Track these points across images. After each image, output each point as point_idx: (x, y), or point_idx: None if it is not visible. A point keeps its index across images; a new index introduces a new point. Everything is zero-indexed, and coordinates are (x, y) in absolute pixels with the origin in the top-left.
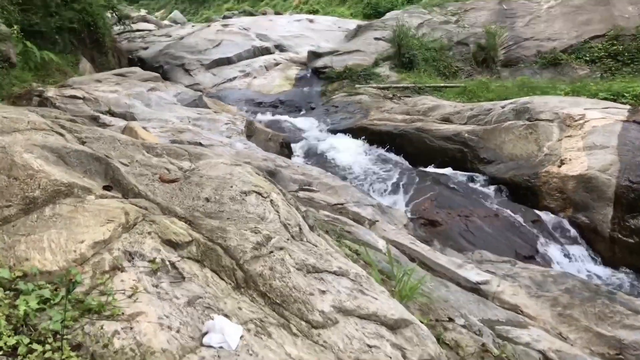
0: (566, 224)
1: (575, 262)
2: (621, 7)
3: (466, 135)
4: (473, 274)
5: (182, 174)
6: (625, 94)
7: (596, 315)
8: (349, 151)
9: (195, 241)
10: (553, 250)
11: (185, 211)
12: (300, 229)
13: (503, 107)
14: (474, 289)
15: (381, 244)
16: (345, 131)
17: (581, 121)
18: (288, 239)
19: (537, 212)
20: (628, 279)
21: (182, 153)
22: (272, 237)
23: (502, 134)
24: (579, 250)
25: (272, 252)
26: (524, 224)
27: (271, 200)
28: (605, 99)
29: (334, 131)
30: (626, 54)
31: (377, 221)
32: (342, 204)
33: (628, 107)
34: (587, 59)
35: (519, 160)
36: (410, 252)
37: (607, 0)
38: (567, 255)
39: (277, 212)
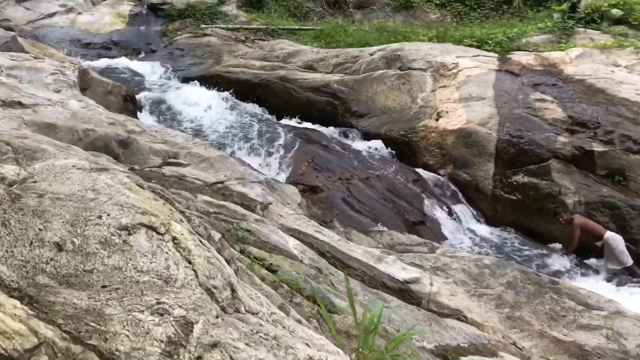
0: (447, 181)
1: (461, 223)
2: None
3: (335, 86)
4: (397, 269)
5: (5, 192)
6: (488, 40)
7: (548, 315)
8: (205, 104)
9: (47, 345)
10: (439, 213)
11: (19, 274)
12: (233, 290)
13: (372, 55)
14: (404, 289)
15: (292, 244)
16: (197, 79)
17: (455, 70)
18: (219, 318)
19: (417, 170)
20: (515, 241)
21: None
22: (194, 320)
23: (374, 84)
24: (462, 210)
25: (200, 357)
26: (406, 184)
27: (174, 240)
28: (471, 45)
29: (183, 79)
30: None
31: (270, 203)
32: (222, 182)
33: (496, 55)
34: (437, 2)
35: (392, 113)
36: (319, 245)
37: None
38: (452, 216)
39: (190, 262)
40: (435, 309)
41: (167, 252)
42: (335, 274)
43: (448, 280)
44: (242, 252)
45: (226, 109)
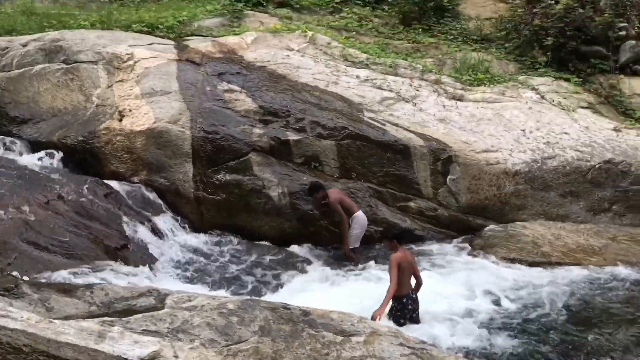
0: (144, 190)
1: (168, 237)
2: None
3: None
4: (129, 345)
5: None
6: (159, 25)
7: (312, 358)
8: None
9: None
10: (142, 230)
11: None
12: None
13: (25, 46)
14: None
15: None
16: None
17: (131, 62)
18: None
19: (106, 182)
20: (229, 245)
21: None
22: None
23: (35, 82)
24: (167, 221)
25: None
26: (97, 201)
27: None
28: (141, 32)
29: None
30: None
31: None
32: None
33: (172, 42)
34: None
35: (65, 116)
36: (11, 339)
37: None
38: (156, 231)
39: None
40: None
41: None
42: None
43: (194, 345)
44: None
45: None
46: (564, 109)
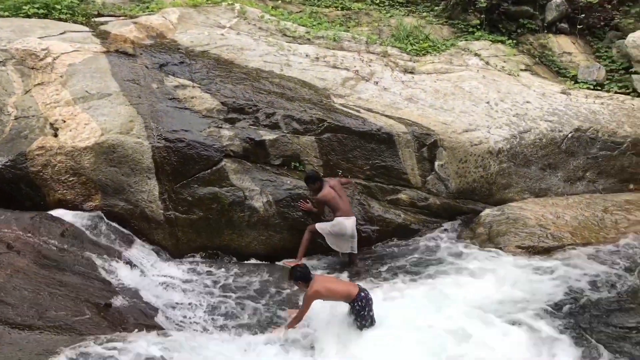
0: (105, 219)
1: (145, 272)
2: None
3: None
4: None
5: None
6: (55, 5)
7: None
8: None
9: None
10: (122, 271)
11: None
12: None
13: None
14: None
15: None
16: None
17: (49, 59)
18: None
19: (54, 214)
20: (221, 271)
21: None
22: None
23: None
24: (141, 252)
25: None
26: (54, 243)
27: None
28: (37, 15)
29: None
30: None
31: None
32: None
33: (88, 29)
34: None
35: None
36: None
37: None
38: (132, 265)
39: None
40: None
41: None
42: None
43: None
44: None
45: None
46: (510, 74)
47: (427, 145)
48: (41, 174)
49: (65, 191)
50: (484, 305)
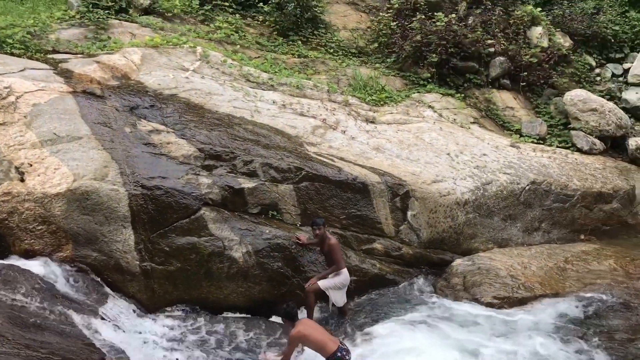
0: (70, 270)
1: (126, 328)
2: None
3: None
4: None
5: None
6: (6, 39)
7: None
8: None
9: None
10: (104, 330)
11: None
12: None
13: None
14: None
15: None
16: None
17: (12, 97)
18: None
19: (20, 265)
20: (202, 328)
21: None
22: None
23: None
24: (117, 306)
25: None
26: (27, 299)
27: None
28: None
29: None
30: None
31: None
32: None
33: (48, 67)
34: None
35: None
36: None
37: None
38: (111, 322)
39: None
40: None
41: None
42: None
43: None
44: None
45: None
46: (462, 127)
47: (400, 195)
48: (7, 222)
49: (33, 241)
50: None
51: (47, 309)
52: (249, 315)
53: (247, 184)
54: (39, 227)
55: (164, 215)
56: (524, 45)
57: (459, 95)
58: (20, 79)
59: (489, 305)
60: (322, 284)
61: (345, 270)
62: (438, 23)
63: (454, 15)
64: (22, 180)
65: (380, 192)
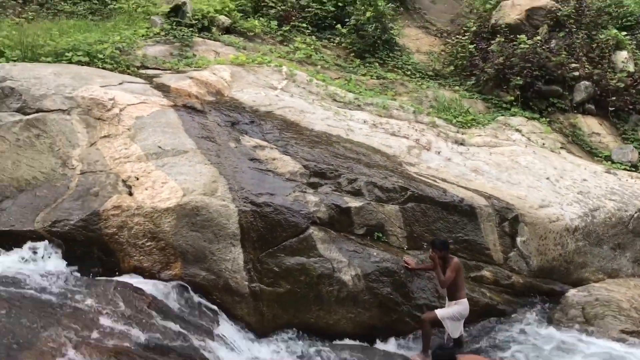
0: (189, 291)
1: (242, 353)
2: None
3: None
4: None
5: None
6: (98, 54)
7: None
8: None
9: None
10: (223, 354)
11: None
12: None
13: None
14: None
15: None
16: None
17: (116, 109)
18: None
19: (134, 284)
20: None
21: None
22: None
23: None
24: (229, 330)
25: None
26: (143, 318)
27: None
28: (80, 62)
29: None
30: None
31: None
32: None
33: (144, 81)
34: None
35: (37, 190)
36: None
37: None
38: (228, 346)
39: None
40: None
41: None
42: None
43: None
44: None
45: None
46: (553, 151)
47: (509, 220)
48: (117, 236)
49: (142, 257)
50: None
51: (167, 330)
52: (356, 342)
53: (353, 203)
54: (148, 243)
55: (273, 233)
56: (609, 70)
57: (543, 119)
58: (120, 91)
59: (619, 340)
60: (439, 313)
61: (465, 300)
62: (522, 45)
63: (538, 37)
64: (130, 194)
65: (488, 215)
